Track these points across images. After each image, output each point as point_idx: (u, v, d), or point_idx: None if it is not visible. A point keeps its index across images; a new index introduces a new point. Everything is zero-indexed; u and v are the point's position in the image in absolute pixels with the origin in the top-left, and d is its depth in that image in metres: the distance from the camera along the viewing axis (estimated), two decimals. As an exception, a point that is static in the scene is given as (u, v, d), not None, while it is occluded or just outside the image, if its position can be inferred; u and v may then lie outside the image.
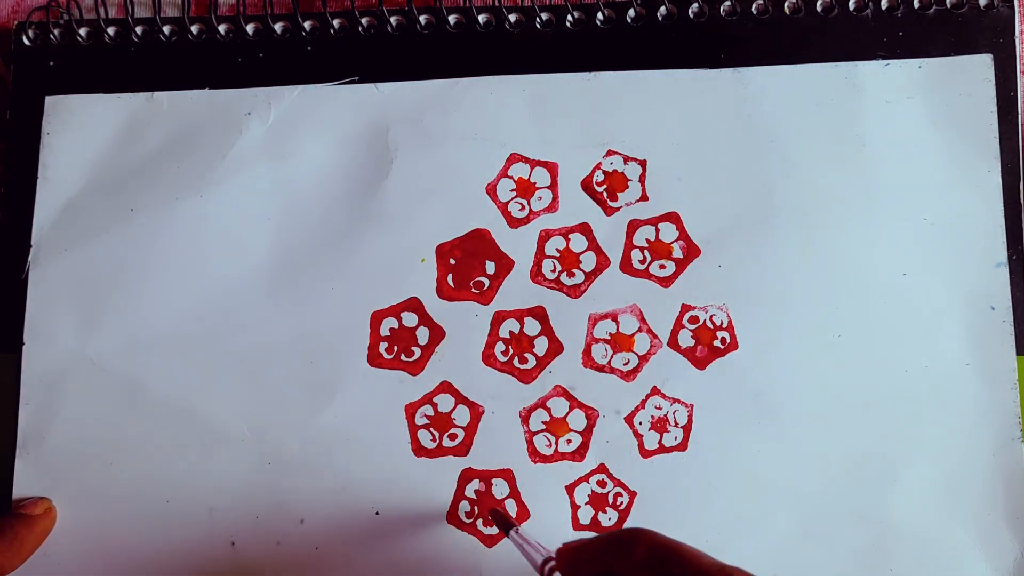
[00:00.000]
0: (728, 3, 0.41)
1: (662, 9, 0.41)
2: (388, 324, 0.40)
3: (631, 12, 0.41)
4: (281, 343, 0.40)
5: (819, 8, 0.41)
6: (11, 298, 0.40)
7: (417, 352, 0.40)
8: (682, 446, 0.39)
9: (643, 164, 0.40)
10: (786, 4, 0.41)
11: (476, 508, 0.39)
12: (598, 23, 0.41)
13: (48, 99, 0.41)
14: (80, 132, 0.41)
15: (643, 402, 0.39)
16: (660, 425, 0.39)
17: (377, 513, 0.39)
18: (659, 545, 0.23)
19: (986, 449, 0.38)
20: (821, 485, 0.38)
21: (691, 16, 0.41)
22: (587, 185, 0.40)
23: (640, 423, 0.39)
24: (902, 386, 0.39)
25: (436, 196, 0.40)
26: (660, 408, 0.39)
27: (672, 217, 0.40)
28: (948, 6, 0.41)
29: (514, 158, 0.41)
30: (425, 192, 0.40)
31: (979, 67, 0.40)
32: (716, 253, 0.40)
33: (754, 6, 0.41)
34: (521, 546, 0.34)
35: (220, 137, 0.41)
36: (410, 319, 0.40)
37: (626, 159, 0.40)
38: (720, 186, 0.40)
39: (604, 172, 0.40)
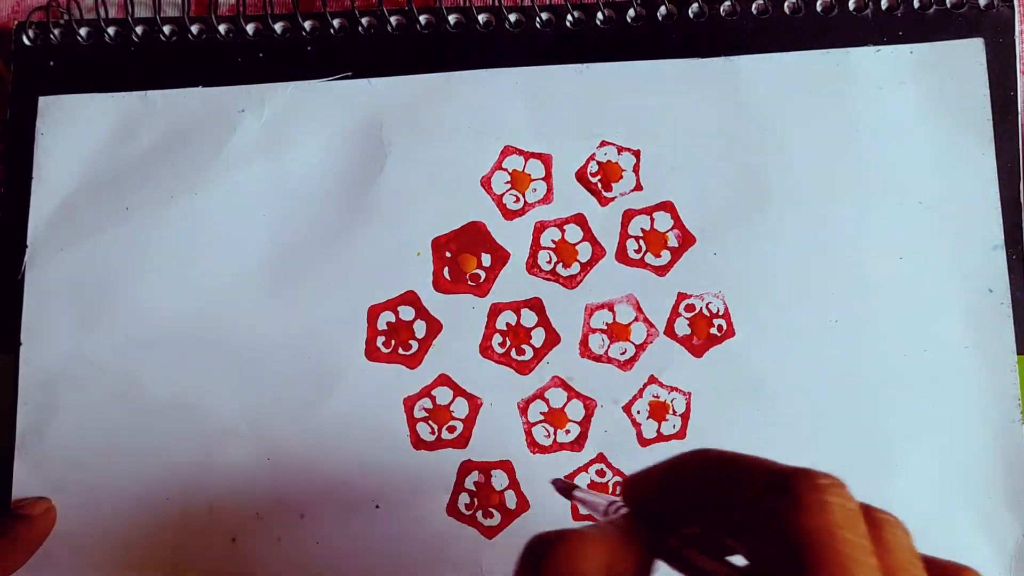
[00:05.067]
0: (728, 3, 0.41)
1: (662, 9, 0.41)
2: (385, 318, 0.40)
3: (631, 12, 0.41)
4: (278, 339, 0.40)
5: (819, 8, 0.41)
6: (8, 298, 0.40)
7: (415, 345, 0.40)
8: (680, 434, 0.39)
9: (637, 154, 0.40)
10: (786, 4, 0.41)
11: (476, 500, 0.39)
12: (598, 23, 0.42)
13: (41, 99, 0.41)
14: (73, 132, 0.41)
15: (641, 391, 0.39)
16: (658, 413, 0.39)
17: (377, 507, 0.39)
18: (718, 461, 0.23)
19: (986, 432, 0.38)
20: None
21: (691, 16, 0.41)
22: (581, 176, 0.41)
23: (638, 412, 0.39)
24: (900, 370, 0.39)
25: (431, 190, 0.40)
26: (658, 396, 0.39)
27: (667, 206, 0.40)
28: (948, 6, 0.41)
29: (508, 150, 0.41)
30: (420, 186, 0.40)
31: (970, 51, 0.40)
32: (711, 241, 0.40)
33: (754, 6, 0.41)
34: (584, 501, 0.33)
35: (214, 134, 0.41)
36: (407, 313, 0.40)
37: (620, 149, 0.41)
38: (714, 174, 0.40)
39: (598, 163, 0.41)
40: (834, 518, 0.20)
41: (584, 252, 0.40)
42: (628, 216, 0.40)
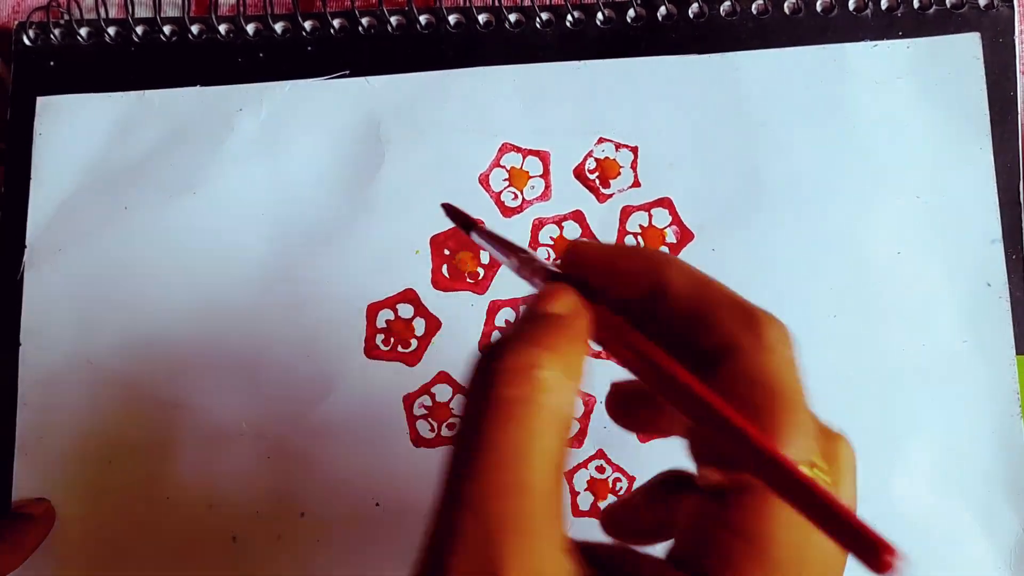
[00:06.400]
0: (728, 3, 0.42)
1: (662, 9, 0.41)
2: (384, 316, 0.40)
3: (631, 12, 0.42)
4: (278, 338, 0.40)
5: (819, 8, 0.41)
6: (7, 299, 0.40)
7: (414, 343, 0.40)
8: (680, 429, 0.39)
9: (635, 151, 0.41)
10: (786, 4, 0.41)
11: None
12: (598, 23, 0.42)
13: (39, 100, 0.41)
14: (71, 132, 0.41)
15: (640, 387, 0.39)
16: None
17: (377, 505, 0.39)
18: (686, 274, 0.23)
19: (985, 426, 0.38)
20: (821, 465, 0.38)
21: (691, 16, 0.41)
22: (579, 173, 0.41)
23: (638, 407, 0.39)
24: (899, 365, 0.39)
25: (429, 187, 0.40)
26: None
27: (665, 203, 0.40)
28: (948, 6, 0.41)
29: (506, 148, 0.41)
30: (418, 184, 0.40)
31: (967, 45, 0.40)
32: (709, 237, 0.40)
33: (754, 6, 0.41)
34: (489, 246, 0.27)
35: (212, 134, 0.41)
36: (406, 310, 0.40)
37: (618, 146, 0.41)
38: (712, 171, 0.40)
39: (596, 159, 0.41)
40: (789, 360, 0.22)
41: (583, 249, 0.40)
42: (626, 213, 0.40)
